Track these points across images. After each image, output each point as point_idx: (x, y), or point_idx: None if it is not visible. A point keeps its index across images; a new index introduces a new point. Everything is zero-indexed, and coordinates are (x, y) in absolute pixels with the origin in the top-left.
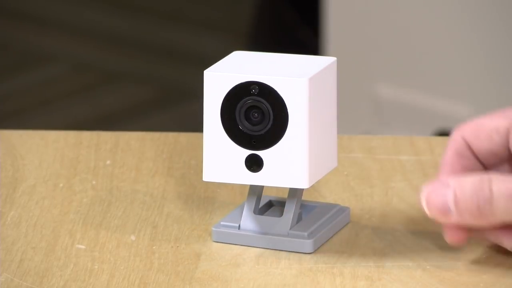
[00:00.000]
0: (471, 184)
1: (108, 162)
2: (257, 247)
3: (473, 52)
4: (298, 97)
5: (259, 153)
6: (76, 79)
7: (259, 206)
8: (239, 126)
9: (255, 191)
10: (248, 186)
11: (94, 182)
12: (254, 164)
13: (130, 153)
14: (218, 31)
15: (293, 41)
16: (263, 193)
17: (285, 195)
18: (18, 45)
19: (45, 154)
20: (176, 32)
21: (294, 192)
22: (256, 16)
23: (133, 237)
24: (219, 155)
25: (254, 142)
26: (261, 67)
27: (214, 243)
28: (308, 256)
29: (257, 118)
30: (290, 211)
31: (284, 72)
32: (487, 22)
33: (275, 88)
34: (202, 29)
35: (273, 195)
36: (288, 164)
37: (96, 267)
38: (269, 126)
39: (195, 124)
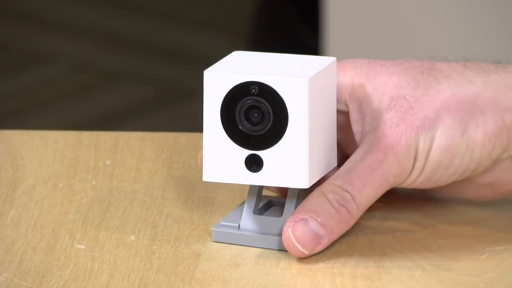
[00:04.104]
0: (323, 202)
1: (108, 162)
2: (257, 247)
3: (474, 52)
4: (298, 97)
5: (259, 153)
6: (76, 79)
7: (259, 206)
8: (239, 126)
9: (255, 191)
10: (248, 186)
11: (94, 182)
12: (254, 164)
13: (130, 153)
14: (218, 31)
15: (293, 41)
16: (263, 193)
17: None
18: (18, 45)
19: (45, 154)
20: (176, 32)
21: (294, 192)
22: (256, 16)
23: (132, 237)
24: (219, 155)
25: (254, 142)
26: (261, 67)
27: (214, 243)
28: (308, 256)
29: (257, 118)
30: (290, 211)
31: (284, 72)
32: (488, 23)
33: (275, 88)
34: (202, 29)
35: (273, 195)
36: (288, 164)
37: (96, 267)
38: (269, 126)
39: (195, 124)
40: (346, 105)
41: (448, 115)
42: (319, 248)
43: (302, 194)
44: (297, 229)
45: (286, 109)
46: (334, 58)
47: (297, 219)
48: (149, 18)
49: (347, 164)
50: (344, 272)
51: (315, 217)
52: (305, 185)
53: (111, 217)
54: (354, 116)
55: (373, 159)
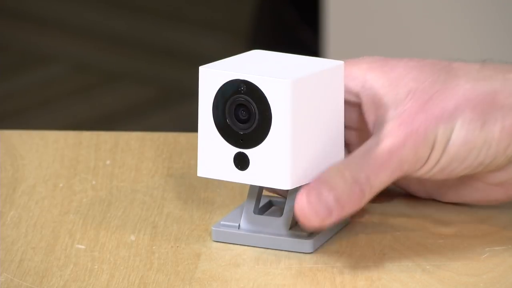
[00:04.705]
0: (339, 178)
1: (108, 162)
2: (257, 247)
3: (475, 52)
4: (281, 98)
5: (246, 151)
6: (76, 79)
7: (259, 206)
8: (228, 124)
9: (255, 191)
10: (248, 186)
11: (94, 182)
12: (241, 162)
13: (130, 153)
14: (218, 31)
15: (293, 41)
16: (263, 193)
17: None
18: (18, 45)
19: (45, 154)
20: (176, 32)
21: (294, 192)
22: (256, 16)
23: (132, 237)
24: (212, 151)
25: (241, 140)
26: (257, 66)
27: (214, 243)
28: (308, 256)
29: (245, 116)
30: (290, 211)
31: (274, 73)
32: (489, 23)
33: (260, 88)
34: (202, 29)
35: (273, 195)
36: (271, 164)
37: (96, 267)
38: (254, 125)
39: (195, 124)
40: (358, 96)
41: (469, 108)
42: (328, 222)
43: None
44: (311, 199)
45: (270, 109)
46: (341, 62)
47: (311, 190)
48: (149, 18)
49: (364, 147)
50: (344, 272)
51: (329, 190)
52: (287, 186)
53: (111, 217)
54: (367, 106)
55: (390, 144)
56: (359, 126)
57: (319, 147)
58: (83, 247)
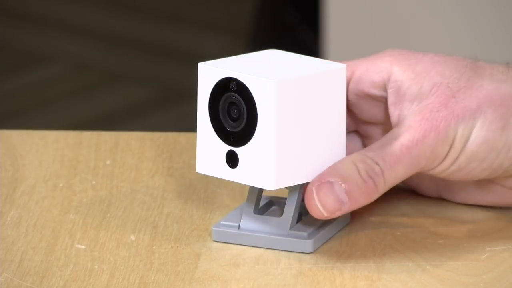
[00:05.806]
0: (352, 170)
1: (108, 162)
2: (257, 247)
3: (475, 53)
4: (267, 97)
5: (236, 150)
6: (76, 79)
7: (259, 206)
8: (222, 121)
9: (255, 190)
10: (248, 186)
11: (94, 182)
12: (232, 160)
13: (130, 153)
14: (218, 31)
15: (293, 41)
16: (263, 193)
17: (285, 195)
18: (18, 45)
19: (45, 154)
20: (176, 32)
21: (294, 192)
22: (256, 16)
23: (133, 237)
24: (208, 148)
25: (232, 138)
26: (255, 65)
27: (214, 243)
28: (308, 256)
29: (236, 115)
30: (290, 211)
31: (264, 72)
32: (490, 24)
33: (248, 86)
34: (202, 29)
35: (273, 195)
36: (258, 163)
37: (96, 267)
38: (243, 124)
39: (195, 124)
40: (384, 89)
41: (490, 108)
42: (338, 213)
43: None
44: (321, 190)
45: (256, 108)
46: (343, 65)
47: (323, 180)
48: (149, 18)
49: (383, 140)
50: (344, 272)
51: (341, 182)
52: (271, 187)
53: (111, 217)
54: (392, 99)
55: (409, 139)
56: (384, 121)
57: (313, 149)
58: (83, 247)
